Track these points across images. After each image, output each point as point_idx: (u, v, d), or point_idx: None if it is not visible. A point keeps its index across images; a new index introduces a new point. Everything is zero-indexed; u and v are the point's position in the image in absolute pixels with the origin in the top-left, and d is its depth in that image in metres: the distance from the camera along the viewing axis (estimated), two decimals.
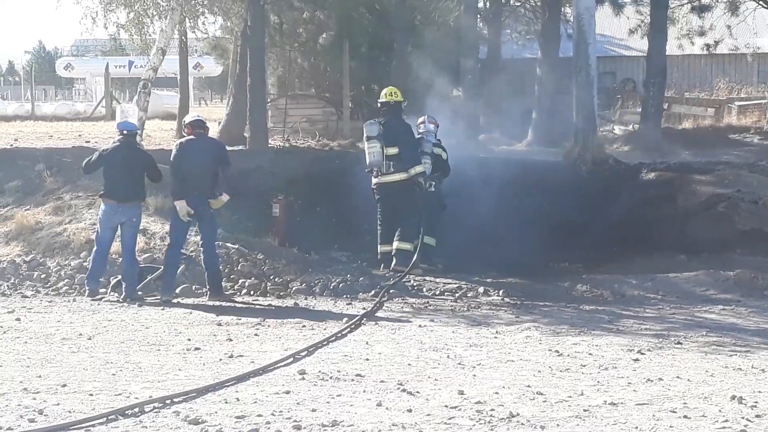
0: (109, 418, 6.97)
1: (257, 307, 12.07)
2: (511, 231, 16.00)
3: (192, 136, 12.63)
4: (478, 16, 27.50)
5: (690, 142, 22.47)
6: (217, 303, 12.13)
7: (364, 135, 14.20)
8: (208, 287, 12.50)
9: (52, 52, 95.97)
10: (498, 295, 12.58)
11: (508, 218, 16.19)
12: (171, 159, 12.67)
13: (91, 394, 7.70)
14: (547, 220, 16.29)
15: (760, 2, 27.74)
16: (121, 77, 54.99)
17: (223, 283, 12.96)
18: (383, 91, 14.63)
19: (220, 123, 26.88)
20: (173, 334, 10.29)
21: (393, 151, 14.01)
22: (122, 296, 12.38)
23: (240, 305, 12.17)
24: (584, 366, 8.80)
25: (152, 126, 28.08)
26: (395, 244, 13.92)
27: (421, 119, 14.97)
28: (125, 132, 12.81)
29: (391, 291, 12.66)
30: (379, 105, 14.55)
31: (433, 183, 14.40)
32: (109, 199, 12.66)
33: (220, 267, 12.78)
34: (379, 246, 14.22)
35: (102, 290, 12.72)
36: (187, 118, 13.01)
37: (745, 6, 28.54)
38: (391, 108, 14.31)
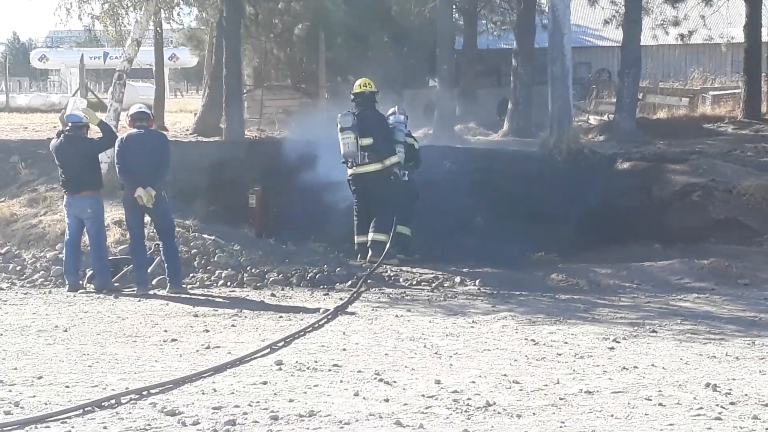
0: (86, 410, 6.94)
1: (234, 298, 12.06)
2: (487, 221, 16.06)
3: (134, 130, 12.52)
4: (454, 6, 27.49)
5: (664, 132, 22.55)
6: (175, 295, 12.07)
7: (338, 126, 14.17)
8: (167, 279, 12.45)
9: (27, 44, 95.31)
10: (474, 285, 12.62)
11: (484, 208, 16.24)
12: (115, 154, 12.61)
13: (68, 386, 7.68)
14: (522, 209, 16.33)
15: None
16: (96, 68, 54.74)
17: (200, 274, 12.95)
18: (357, 82, 14.61)
19: (196, 114, 26.80)
20: (150, 326, 10.27)
21: (367, 141, 14.01)
22: (96, 288, 12.36)
23: (216, 297, 12.16)
24: (560, 355, 8.84)
25: None
26: (371, 236, 13.94)
27: (391, 110, 14.94)
28: (70, 124, 12.67)
29: (368, 281, 12.68)
30: (352, 96, 14.53)
31: (407, 172, 14.41)
32: (65, 191, 12.72)
33: (179, 258, 12.69)
34: (355, 237, 14.23)
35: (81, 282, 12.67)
36: (130, 111, 12.81)
37: None
38: (365, 99, 14.30)
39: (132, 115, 12.62)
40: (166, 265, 12.41)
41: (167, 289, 12.27)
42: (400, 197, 14.18)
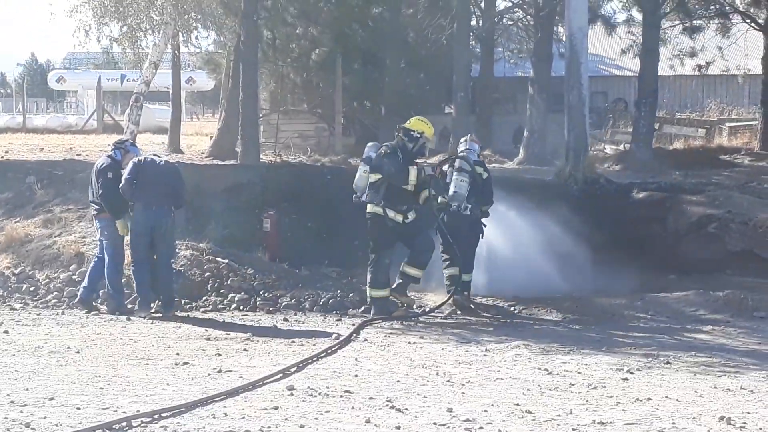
0: None
1: (247, 322, 12.04)
2: (500, 250, 15.96)
3: (150, 156, 12.91)
4: (471, 34, 27.55)
5: (681, 163, 22.50)
6: (164, 318, 12.09)
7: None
8: (160, 301, 12.47)
9: (45, 65, 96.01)
10: (487, 314, 12.57)
11: (499, 237, 16.16)
12: (127, 173, 12.49)
13: (79, 408, 7.67)
14: (536, 238, 16.23)
15: (752, 24, 27.89)
16: (113, 90, 55.04)
17: (213, 298, 12.95)
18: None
19: (211, 137, 26.89)
20: (162, 349, 10.26)
21: (374, 177, 12.57)
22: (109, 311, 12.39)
23: (229, 321, 12.14)
24: (573, 385, 8.79)
25: (144, 140, 28.08)
26: (367, 291, 12.65)
27: (464, 138, 13.96)
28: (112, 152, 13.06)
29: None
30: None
31: (469, 206, 13.07)
32: None
33: (174, 281, 12.71)
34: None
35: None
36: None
37: (737, 28, 28.71)
38: (400, 134, 12.83)
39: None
40: (160, 286, 12.45)
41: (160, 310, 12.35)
42: (460, 239, 13.06)
